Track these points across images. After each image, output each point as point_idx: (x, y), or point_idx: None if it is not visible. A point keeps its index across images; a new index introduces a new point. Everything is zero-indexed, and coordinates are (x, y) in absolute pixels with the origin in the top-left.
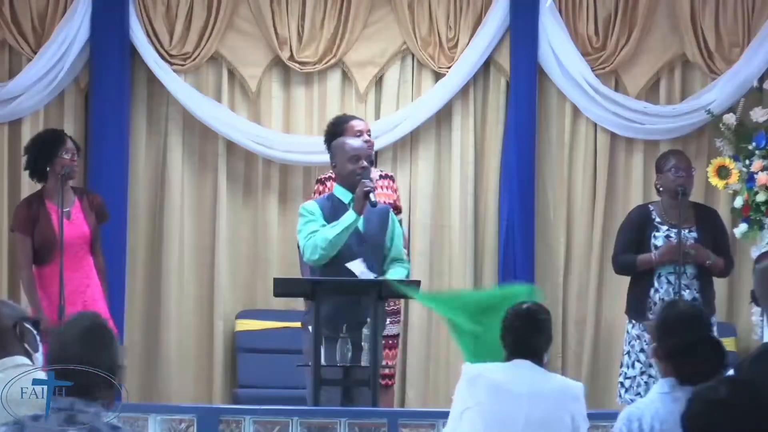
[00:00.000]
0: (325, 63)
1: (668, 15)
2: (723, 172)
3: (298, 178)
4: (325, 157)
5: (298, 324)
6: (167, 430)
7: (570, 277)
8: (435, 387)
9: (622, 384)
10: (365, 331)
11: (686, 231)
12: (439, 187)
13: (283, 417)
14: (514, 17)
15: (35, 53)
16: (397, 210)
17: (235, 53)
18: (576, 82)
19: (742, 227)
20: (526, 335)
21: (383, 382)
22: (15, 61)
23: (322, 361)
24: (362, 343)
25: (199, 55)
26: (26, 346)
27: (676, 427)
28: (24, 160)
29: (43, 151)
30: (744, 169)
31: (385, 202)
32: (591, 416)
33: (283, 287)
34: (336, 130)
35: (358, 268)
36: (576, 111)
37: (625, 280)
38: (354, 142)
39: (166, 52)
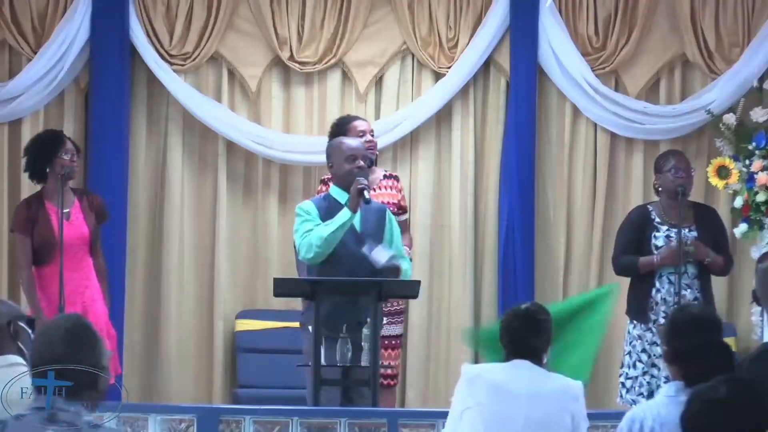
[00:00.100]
0: (325, 63)
1: (668, 15)
2: (723, 172)
3: (298, 178)
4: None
5: (297, 324)
6: (167, 430)
7: (570, 277)
8: (435, 387)
9: (623, 384)
10: (365, 331)
11: (686, 230)
12: (439, 187)
13: (283, 417)
14: (514, 17)
15: (35, 53)
16: (402, 210)
17: (235, 53)
18: (576, 82)
19: (742, 227)
20: (525, 336)
21: (385, 382)
22: (15, 61)
23: (322, 361)
24: (362, 343)
25: (199, 55)
26: (20, 345)
27: (675, 429)
28: (23, 161)
29: (43, 152)
30: (744, 169)
31: (388, 202)
32: (591, 416)
33: (283, 287)
34: (339, 130)
35: (375, 252)
36: (576, 111)
37: (626, 280)
38: (351, 142)
39: (166, 52)
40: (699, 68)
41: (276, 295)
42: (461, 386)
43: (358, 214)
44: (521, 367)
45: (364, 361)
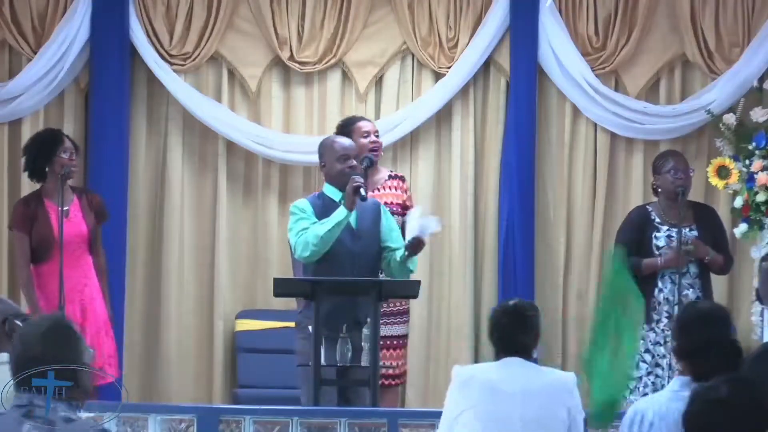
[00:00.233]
0: (325, 63)
1: (668, 15)
2: (723, 172)
3: (298, 178)
4: None
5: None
6: (167, 430)
7: (570, 277)
8: (435, 387)
9: None
10: (365, 331)
11: (687, 230)
12: (439, 187)
13: (283, 417)
14: (514, 17)
15: (35, 53)
16: (408, 210)
17: (235, 53)
18: (576, 82)
19: (742, 227)
20: (513, 332)
21: (386, 382)
22: (15, 61)
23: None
24: (362, 343)
25: (199, 55)
26: None
27: (674, 425)
28: (23, 160)
29: (42, 151)
30: (744, 169)
31: (392, 203)
32: None
33: (283, 287)
34: (344, 131)
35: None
36: (576, 111)
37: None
38: (343, 142)
39: (166, 52)
40: (699, 68)
41: (276, 295)
42: (453, 389)
43: (353, 212)
44: (512, 364)
45: (364, 361)
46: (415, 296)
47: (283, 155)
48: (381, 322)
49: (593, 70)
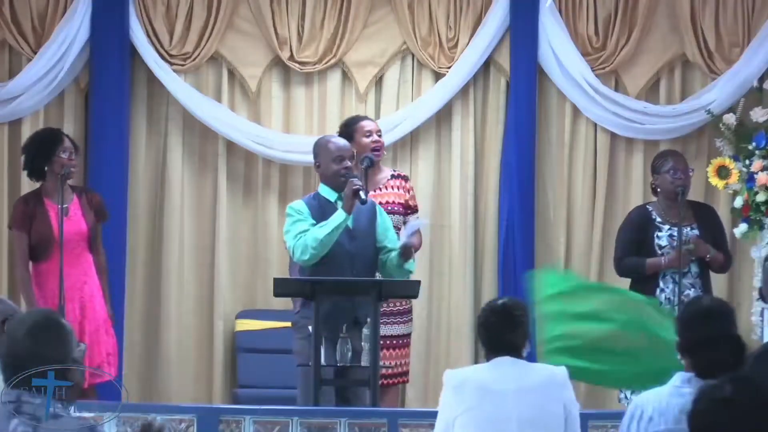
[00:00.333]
0: (325, 63)
1: (668, 15)
2: (723, 172)
3: (298, 178)
4: None
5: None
6: (167, 431)
7: None
8: (435, 387)
9: None
10: (365, 331)
11: (688, 229)
12: (439, 187)
13: (283, 417)
14: (514, 17)
15: (35, 53)
16: (411, 209)
17: (235, 53)
18: (576, 82)
19: (742, 227)
20: (501, 332)
21: (385, 382)
22: (15, 61)
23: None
24: (362, 343)
25: (199, 55)
26: None
27: (672, 420)
28: (22, 159)
29: (41, 151)
30: (744, 169)
31: (394, 202)
32: (591, 416)
33: (283, 287)
34: (347, 130)
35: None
36: (576, 111)
37: (626, 280)
38: (338, 142)
39: (166, 52)
40: (699, 68)
41: (276, 295)
42: (447, 394)
43: None
44: (504, 364)
45: (365, 361)
46: (415, 296)
47: (283, 155)
48: (382, 321)
49: (593, 70)
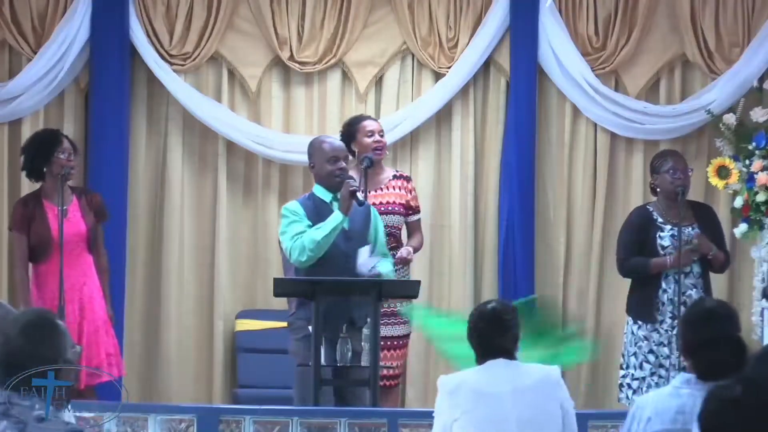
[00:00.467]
0: (325, 63)
1: (668, 15)
2: (723, 172)
3: (298, 178)
4: None
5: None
6: (167, 430)
7: (570, 277)
8: (435, 387)
9: (629, 386)
10: (365, 331)
11: (689, 229)
12: (439, 187)
13: (283, 417)
14: (514, 17)
15: (35, 53)
16: (412, 210)
17: (235, 53)
18: (576, 82)
19: (742, 227)
20: (491, 336)
21: (387, 383)
22: (15, 61)
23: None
24: (362, 343)
25: (199, 55)
26: None
27: (669, 421)
28: (21, 160)
29: (40, 152)
30: (744, 169)
31: (394, 202)
32: (591, 416)
33: (283, 287)
34: (350, 130)
35: (362, 255)
36: (576, 111)
37: (626, 280)
38: (333, 142)
39: (166, 52)
40: (699, 68)
41: (276, 295)
42: (443, 399)
43: None
44: (497, 366)
45: (363, 361)
46: (415, 296)
47: (283, 155)
48: (381, 322)
49: (593, 70)
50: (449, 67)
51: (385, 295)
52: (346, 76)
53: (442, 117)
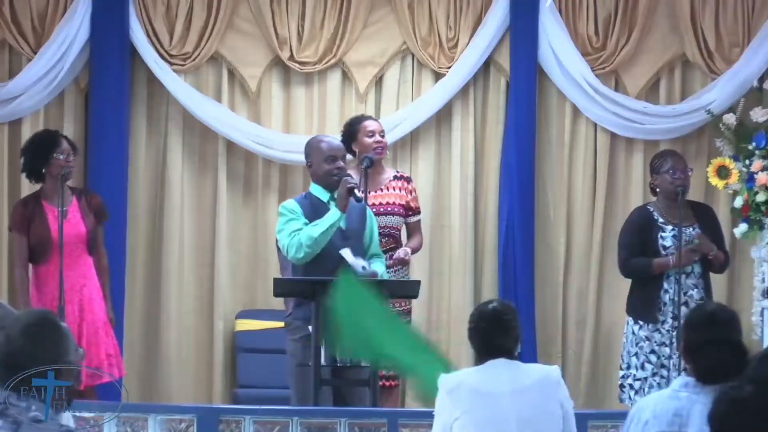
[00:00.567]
0: (325, 63)
1: (668, 15)
2: (723, 172)
3: (298, 178)
4: None
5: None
6: (167, 430)
7: (570, 277)
8: None
9: (631, 386)
10: None
11: (690, 229)
12: (439, 187)
13: (283, 417)
14: (514, 17)
15: (35, 53)
16: (412, 211)
17: (235, 53)
18: (576, 82)
19: (742, 227)
20: (492, 336)
21: (387, 383)
22: (15, 61)
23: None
24: None
25: (199, 55)
26: None
27: (666, 423)
28: (21, 162)
29: (38, 153)
30: (744, 169)
31: (394, 203)
32: (591, 416)
33: (283, 287)
34: (351, 129)
35: (348, 256)
36: (576, 111)
37: (626, 280)
38: (331, 142)
39: (166, 52)
40: (699, 68)
41: (276, 295)
42: (443, 399)
43: None
44: (498, 365)
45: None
46: (415, 296)
47: (283, 155)
48: None
49: (593, 70)
50: (449, 67)
51: (385, 295)
52: (346, 76)
53: (442, 117)
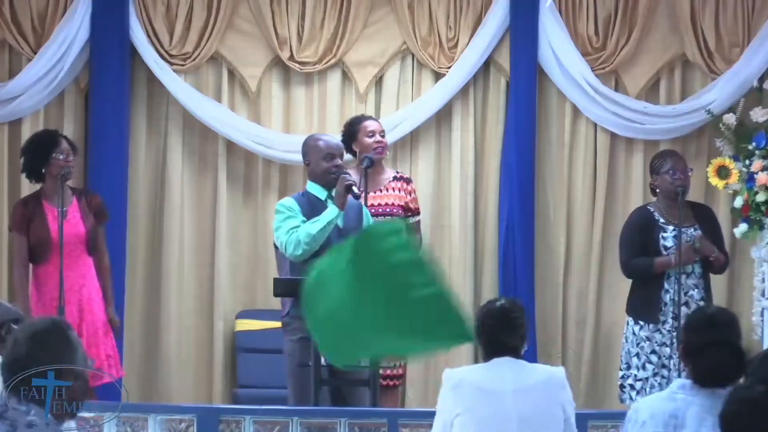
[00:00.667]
0: (325, 63)
1: (668, 15)
2: (723, 172)
3: (298, 178)
4: None
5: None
6: (167, 430)
7: (570, 277)
8: (435, 387)
9: (632, 386)
10: None
11: (691, 229)
12: (439, 187)
13: (283, 417)
14: (514, 17)
15: (35, 53)
16: (411, 212)
17: (235, 53)
18: (576, 82)
19: (742, 227)
20: (499, 334)
21: (386, 383)
22: (15, 61)
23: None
24: None
25: (199, 55)
26: None
27: (662, 424)
28: (21, 161)
29: (38, 153)
30: (744, 169)
31: (393, 204)
32: (591, 416)
33: (283, 287)
34: (351, 129)
35: None
36: (576, 111)
37: (626, 280)
38: (329, 140)
39: (166, 52)
40: (699, 68)
41: (276, 295)
42: (446, 394)
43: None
44: (502, 364)
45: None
46: None
47: (283, 155)
48: None
49: (593, 70)
50: (449, 67)
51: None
52: (346, 76)
53: (442, 117)
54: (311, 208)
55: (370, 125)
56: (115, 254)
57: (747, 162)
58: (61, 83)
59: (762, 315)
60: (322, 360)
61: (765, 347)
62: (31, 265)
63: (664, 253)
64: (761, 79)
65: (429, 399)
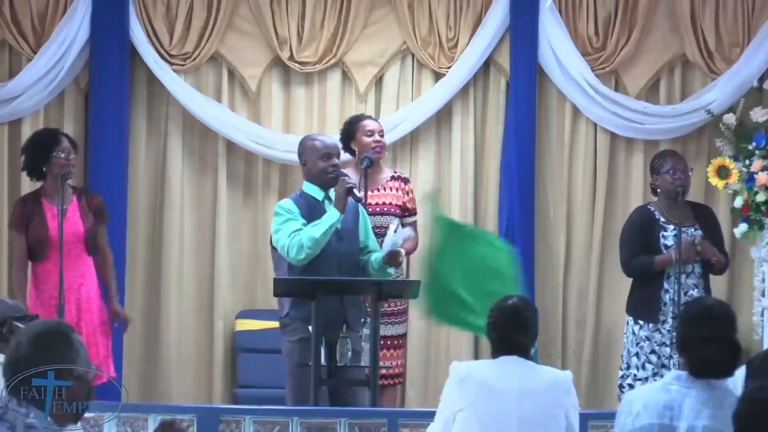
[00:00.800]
0: (325, 63)
1: (668, 15)
2: (723, 172)
3: (298, 178)
4: None
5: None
6: None
7: (570, 277)
8: (435, 387)
9: (631, 386)
10: (365, 330)
11: (692, 229)
12: (439, 187)
13: (283, 417)
14: (514, 17)
15: (35, 53)
16: (408, 212)
17: (235, 53)
18: (576, 82)
19: (742, 227)
20: (510, 332)
21: (385, 382)
22: (15, 61)
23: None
24: (362, 344)
25: (199, 55)
26: None
27: (656, 415)
28: (21, 161)
29: (39, 152)
30: (744, 169)
31: (391, 203)
32: (591, 416)
33: (283, 287)
34: (350, 128)
35: (390, 234)
36: (576, 111)
37: (626, 280)
38: (325, 140)
39: (166, 52)
40: (699, 68)
41: (276, 295)
42: (452, 387)
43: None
44: (510, 363)
45: (364, 361)
46: (415, 296)
47: (283, 155)
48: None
49: (593, 70)
50: (449, 67)
51: (384, 295)
52: (346, 76)
53: (442, 117)
54: (310, 209)
55: (369, 124)
56: (115, 254)
57: (747, 162)
58: (61, 83)
59: (762, 315)
60: (322, 360)
61: (765, 347)
62: (30, 264)
63: (665, 252)
64: (761, 79)
65: (429, 399)
